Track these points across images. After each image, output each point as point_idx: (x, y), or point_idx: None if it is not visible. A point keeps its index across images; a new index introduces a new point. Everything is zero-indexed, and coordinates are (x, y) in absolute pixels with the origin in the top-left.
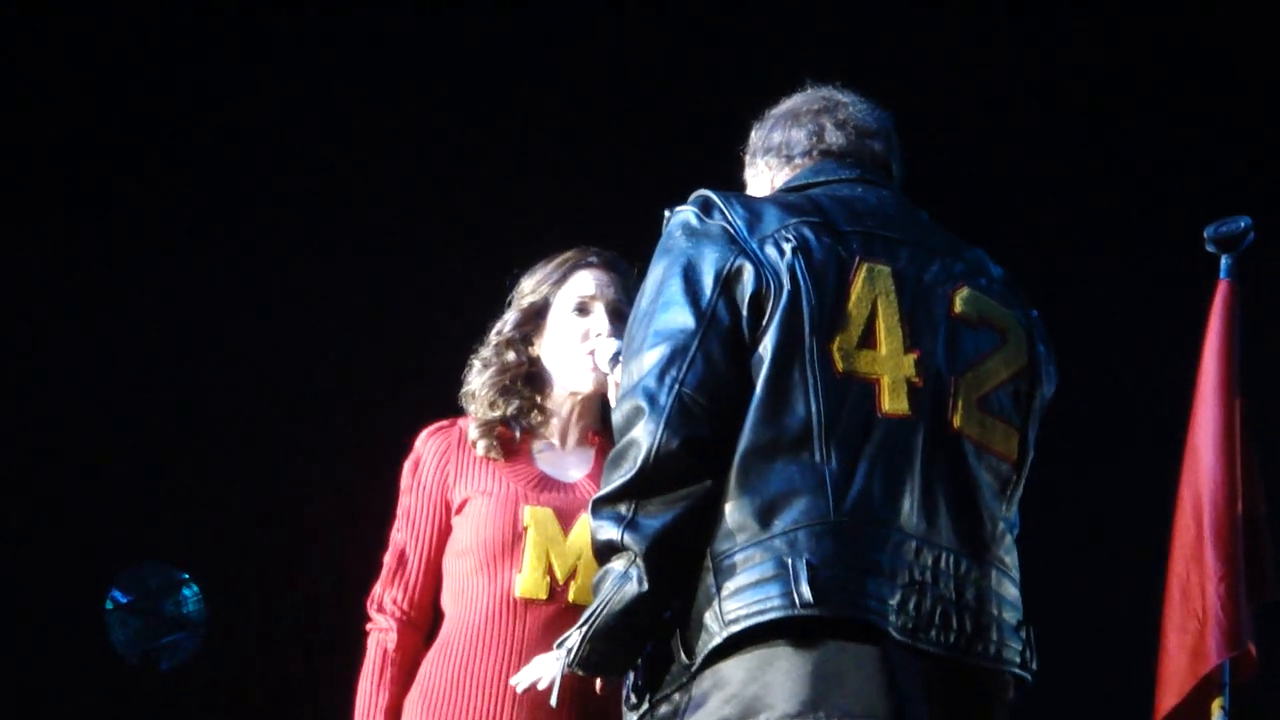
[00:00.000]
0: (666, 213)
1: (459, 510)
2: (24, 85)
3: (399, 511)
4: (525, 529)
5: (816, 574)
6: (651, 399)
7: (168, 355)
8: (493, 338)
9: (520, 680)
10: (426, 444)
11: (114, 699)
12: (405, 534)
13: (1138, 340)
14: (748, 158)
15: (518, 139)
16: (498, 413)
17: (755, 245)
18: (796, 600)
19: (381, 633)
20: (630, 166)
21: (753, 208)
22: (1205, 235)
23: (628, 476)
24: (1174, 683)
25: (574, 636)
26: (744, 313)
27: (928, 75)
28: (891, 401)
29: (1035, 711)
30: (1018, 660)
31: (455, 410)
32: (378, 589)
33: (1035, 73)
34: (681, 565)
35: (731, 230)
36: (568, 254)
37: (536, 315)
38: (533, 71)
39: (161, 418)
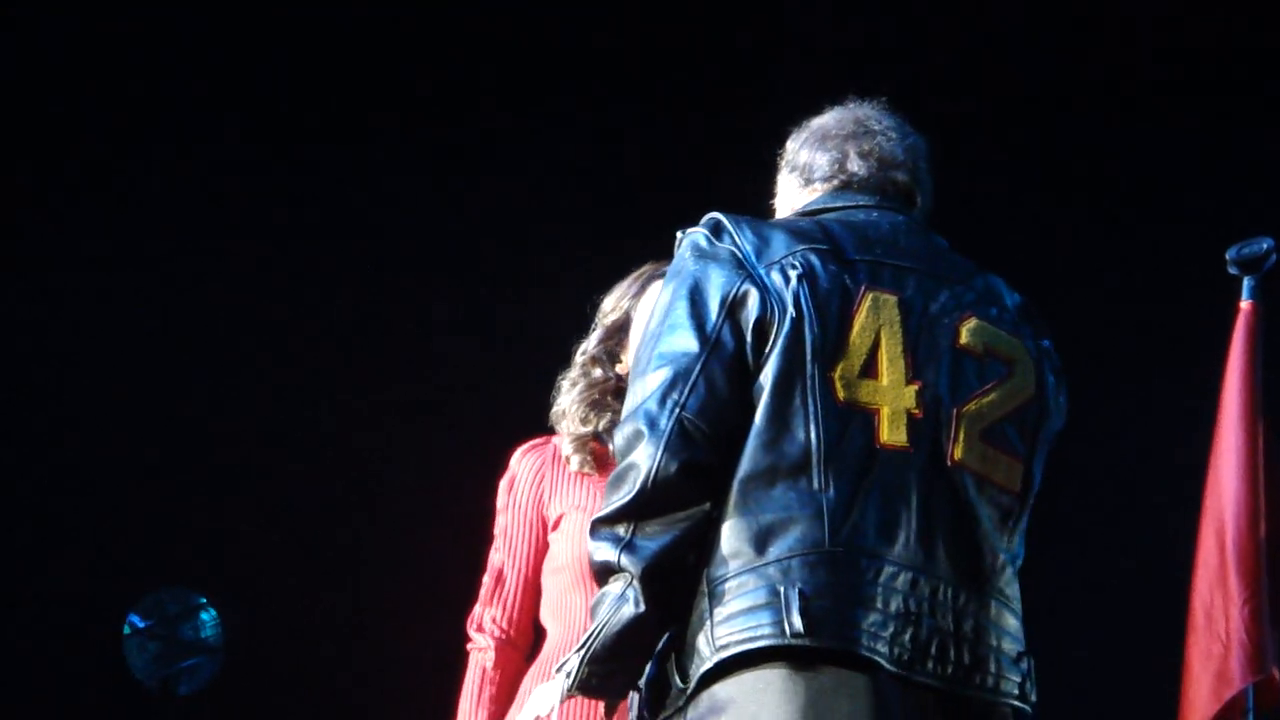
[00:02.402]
0: (679, 233)
1: (555, 526)
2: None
3: (496, 530)
4: None
5: (809, 604)
6: (652, 423)
7: (185, 376)
8: (578, 358)
9: (524, 714)
10: (521, 461)
11: None
12: (503, 552)
13: (1159, 364)
14: (781, 164)
15: (604, 169)
16: (589, 428)
17: (762, 271)
18: (787, 629)
19: (480, 652)
20: (707, 186)
21: (762, 233)
22: (1228, 257)
23: (626, 499)
24: (1198, 707)
25: (573, 660)
26: (748, 338)
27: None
28: (890, 433)
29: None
30: (1016, 692)
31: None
32: (477, 608)
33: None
34: (678, 588)
35: (739, 255)
36: (643, 268)
37: (619, 330)
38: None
39: (180, 440)
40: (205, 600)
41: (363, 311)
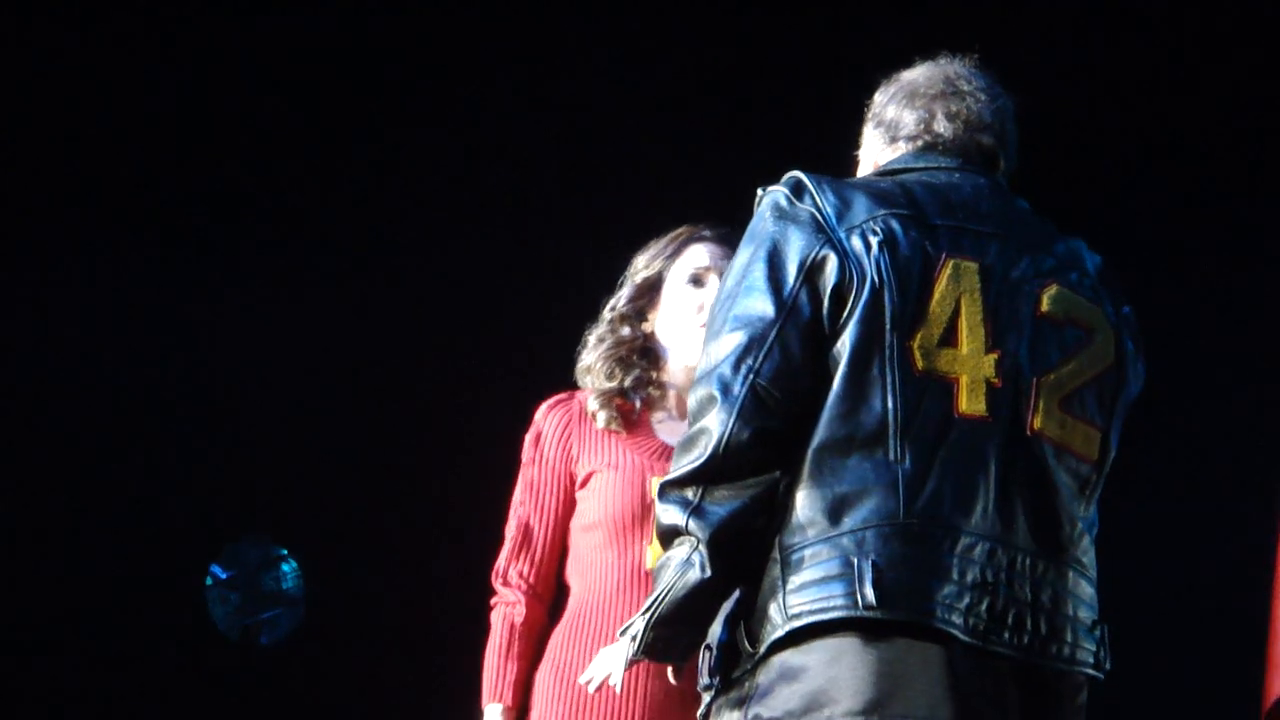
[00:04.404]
0: (759, 191)
1: (583, 484)
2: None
3: (521, 484)
4: (653, 500)
5: (882, 576)
6: (725, 388)
7: (265, 329)
8: (606, 314)
9: (592, 678)
10: (548, 417)
11: (214, 674)
12: (529, 507)
13: (1243, 319)
14: (868, 116)
15: (634, 118)
16: (615, 383)
17: (842, 235)
18: (860, 601)
19: (508, 606)
20: (744, 145)
21: (843, 195)
22: None
23: (697, 463)
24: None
25: (638, 623)
26: (825, 304)
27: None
28: (969, 402)
29: (1153, 682)
30: (1091, 661)
31: (558, 385)
32: (501, 562)
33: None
34: (744, 554)
35: (820, 218)
36: (680, 230)
37: (650, 289)
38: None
39: (261, 391)
40: (286, 551)
41: (449, 261)
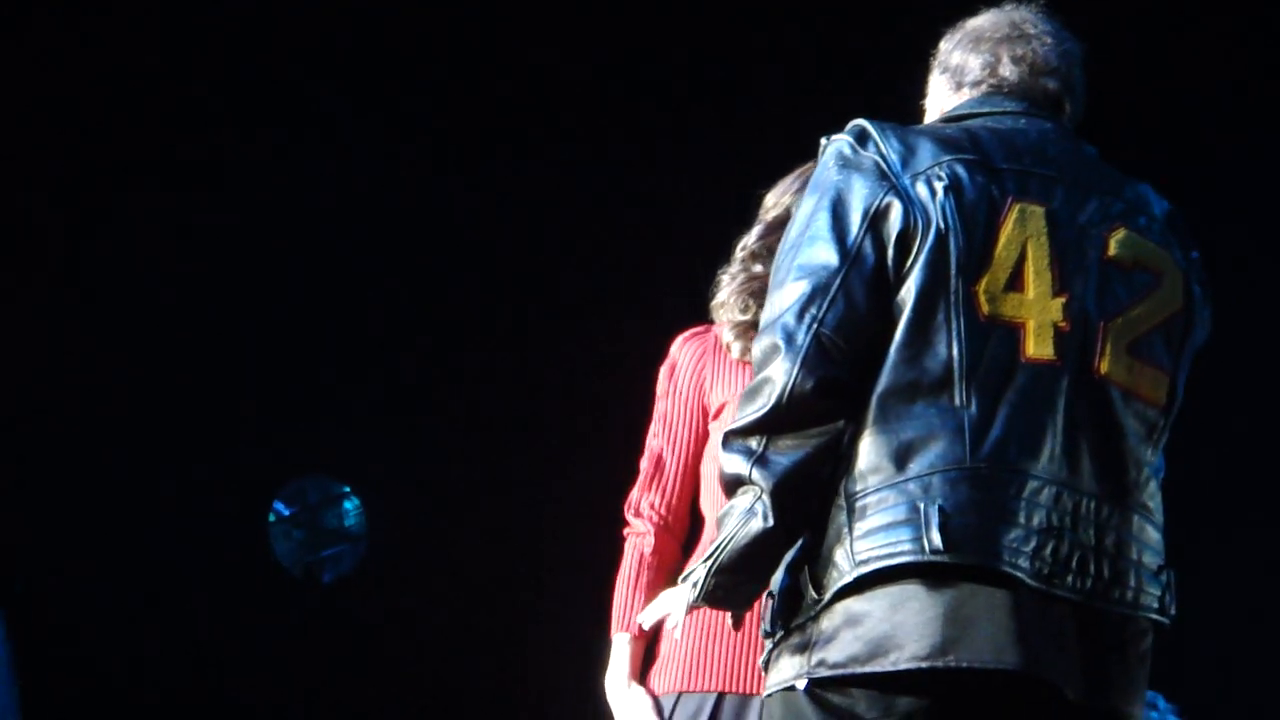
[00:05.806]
0: (823, 140)
1: (716, 416)
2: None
3: (655, 415)
4: None
5: (949, 520)
6: (789, 337)
7: (330, 269)
8: (738, 253)
9: (646, 618)
10: (682, 349)
11: (277, 610)
12: (662, 439)
13: None
14: (934, 64)
15: (771, 59)
16: (749, 315)
17: (907, 181)
18: (926, 546)
19: (639, 537)
20: (870, 85)
21: (908, 141)
22: None
23: (761, 412)
24: None
25: (699, 570)
26: (890, 251)
27: None
28: (1036, 346)
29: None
30: (1155, 605)
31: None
32: (635, 494)
33: None
34: (807, 503)
35: (884, 165)
36: (807, 165)
37: (780, 226)
38: None
39: (324, 329)
40: (348, 489)
41: (518, 203)
